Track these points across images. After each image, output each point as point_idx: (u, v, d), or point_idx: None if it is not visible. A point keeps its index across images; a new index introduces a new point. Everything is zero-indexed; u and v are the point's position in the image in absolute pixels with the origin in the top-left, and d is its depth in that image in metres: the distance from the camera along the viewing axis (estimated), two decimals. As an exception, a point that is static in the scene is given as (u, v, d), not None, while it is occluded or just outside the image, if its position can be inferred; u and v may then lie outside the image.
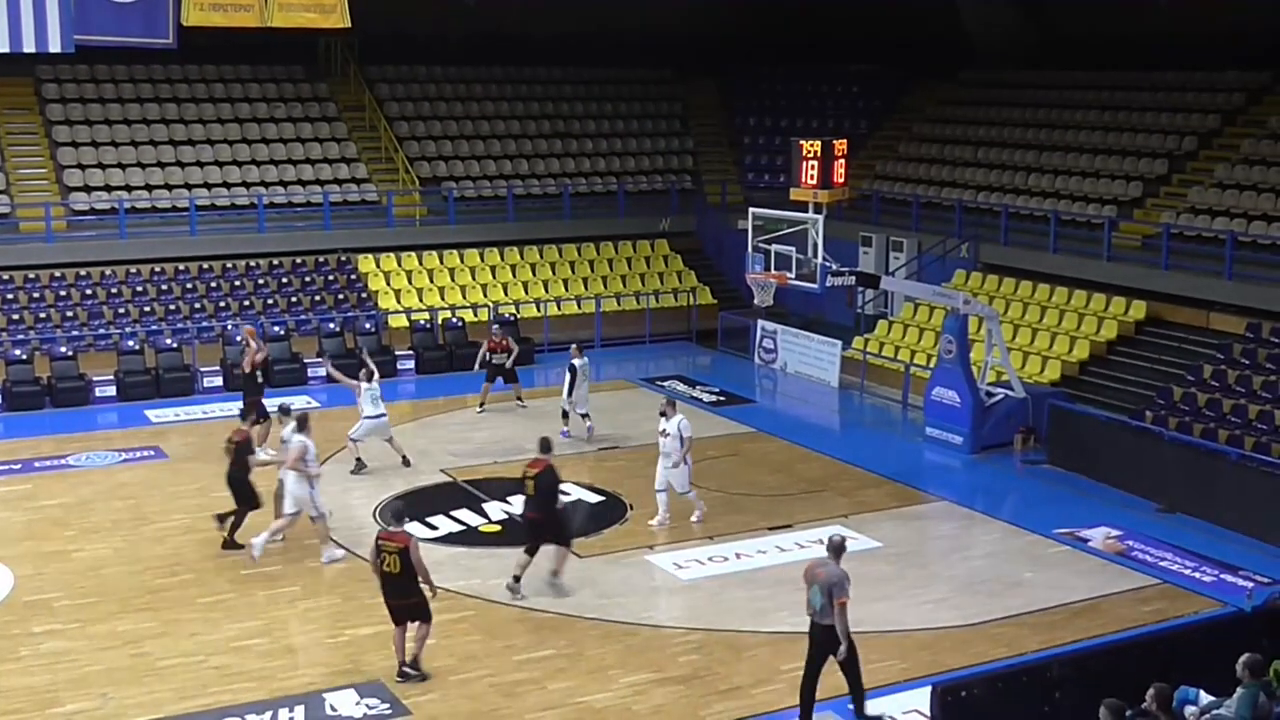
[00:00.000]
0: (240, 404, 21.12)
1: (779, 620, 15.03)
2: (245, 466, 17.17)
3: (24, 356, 24.53)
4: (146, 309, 27.00)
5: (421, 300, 29.09)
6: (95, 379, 24.62)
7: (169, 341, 25.65)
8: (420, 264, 30.02)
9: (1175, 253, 24.47)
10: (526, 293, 30.12)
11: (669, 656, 14.32)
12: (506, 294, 29.88)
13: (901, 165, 32.33)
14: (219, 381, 25.22)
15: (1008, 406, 22.32)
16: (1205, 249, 24.40)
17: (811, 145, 20.95)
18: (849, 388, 26.21)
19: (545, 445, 15.97)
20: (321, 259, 29.33)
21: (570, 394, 22.11)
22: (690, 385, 26.19)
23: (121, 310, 26.79)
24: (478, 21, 33.08)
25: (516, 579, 15.69)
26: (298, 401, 22.28)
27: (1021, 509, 19.50)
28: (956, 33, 33.41)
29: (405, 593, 13.44)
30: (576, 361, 21.97)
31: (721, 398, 25.38)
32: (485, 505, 18.99)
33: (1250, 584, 16.29)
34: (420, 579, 13.47)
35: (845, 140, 21.75)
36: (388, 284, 29.34)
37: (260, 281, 28.38)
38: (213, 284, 28.01)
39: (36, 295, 26.60)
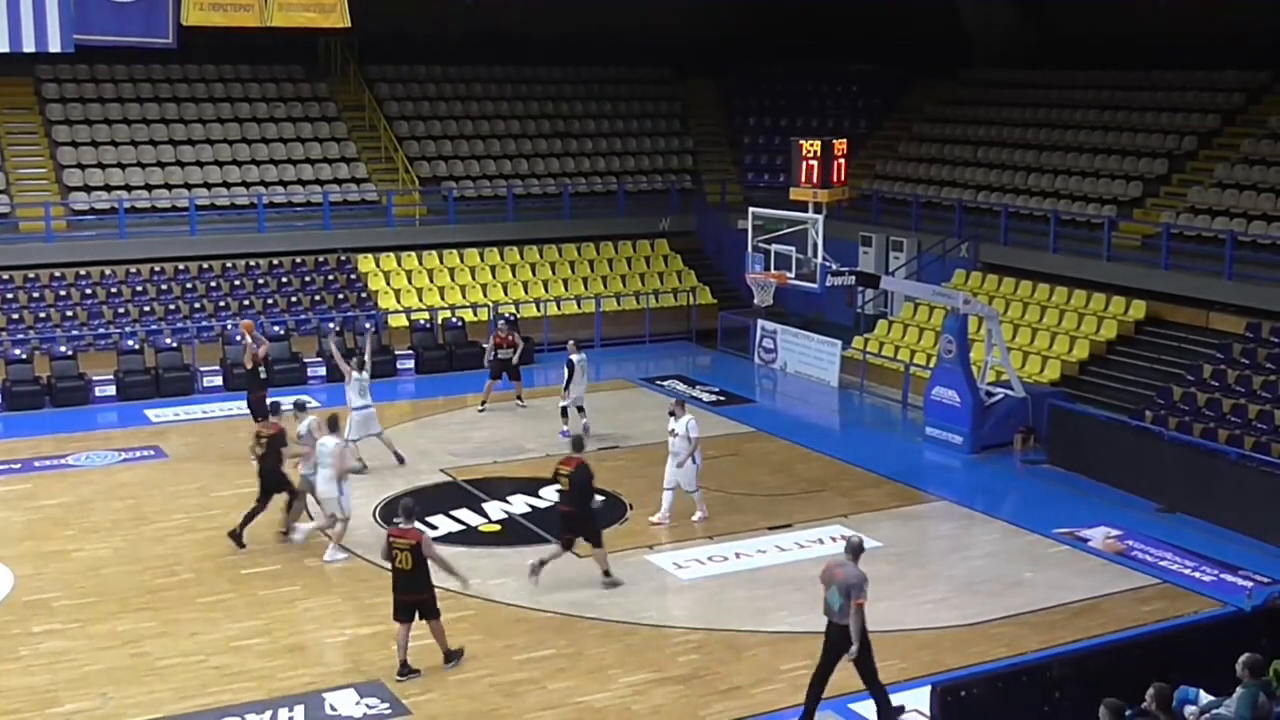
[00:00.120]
0: (245, 402, 21.12)
1: (779, 620, 15.07)
2: (279, 458, 17.14)
3: (24, 356, 24.53)
4: (146, 309, 26.99)
5: (421, 300, 29.08)
6: (95, 379, 24.61)
7: (169, 341, 25.65)
8: (420, 264, 30.01)
9: (1175, 252, 24.46)
10: (526, 292, 30.10)
11: (669, 656, 14.32)
12: (506, 294, 29.87)
13: (901, 165, 32.31)
14: (219, 381, 25.23)
15: (1007, 406, 22.31)
16: (1205, 249, 24.39)
17: (811, 145, 20.97)
18: (849, 387, 26.20)
19: (578, 444, 16.67)
20: (321, 259, 29.32)
21: (568, 389, 22.15)
22: (690, 385, 26.16)
23: (121, 310, 26.79)
24: (477, 21, 33.12)
25: (542, 563, 15.94)
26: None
27: (1021, 509, 19.49)
28: (956, 32, 33.41)
29: (417, 588, 13.58)
30: (574, 357, 22.02)
31: (721, 397, 25.38)
32: (485, 505, 19.00)
33: (1250, 584, 16.28)
34: (443, 571, 13.80)
35: (845, 140, 21.79)
36: (387, 284, 29.33)
37: (260, 281, 28.37)
38: (212, 284, 28.00)
39: (36, 295, 26.60)
